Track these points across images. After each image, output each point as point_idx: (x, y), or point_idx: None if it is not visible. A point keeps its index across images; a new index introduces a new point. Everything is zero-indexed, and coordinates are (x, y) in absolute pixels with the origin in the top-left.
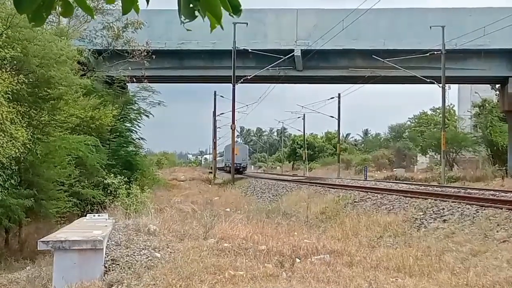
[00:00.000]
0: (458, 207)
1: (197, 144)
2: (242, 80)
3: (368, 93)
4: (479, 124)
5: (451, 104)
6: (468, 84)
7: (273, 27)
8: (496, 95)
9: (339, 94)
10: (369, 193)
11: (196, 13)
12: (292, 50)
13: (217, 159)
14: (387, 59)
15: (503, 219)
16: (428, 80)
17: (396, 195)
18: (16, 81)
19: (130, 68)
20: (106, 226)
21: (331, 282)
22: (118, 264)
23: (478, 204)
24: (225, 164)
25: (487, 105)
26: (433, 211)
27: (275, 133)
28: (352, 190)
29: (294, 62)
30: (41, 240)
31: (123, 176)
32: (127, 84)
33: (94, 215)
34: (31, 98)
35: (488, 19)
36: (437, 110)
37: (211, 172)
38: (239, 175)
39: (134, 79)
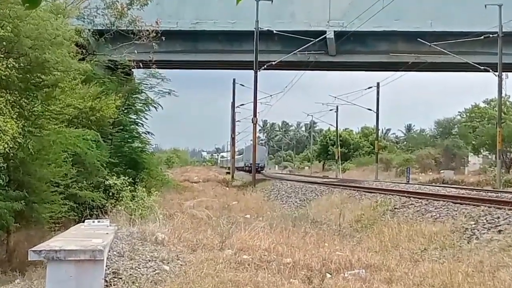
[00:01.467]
0: None
1: (213, 140)
2: (265, 66)
3: (411, 82)
4: None
5: (508, 95)
6: None
7: (302, 4)
8: None
9: (378, 84)
10: (412, 198)
11: None
12: (324, 32)
13: (236, 157)
14: (434, 43)
15: None
16: (482, 67)
17: (444, 201)
18: (5, 65)
19: (136, 51)
20: (107, 234)
21: None
22: (121, 278)
23: None
24: (245, 164)
25: None
26: (487, 220)
27: (303, 128)
28: (392, 194)
29: (326, 45)
30: (33, 249)
31: (127, 177)
32: (132, 70)
33: (93, 221)
34: (22, 85)
35: None
36: (492, 103)
37: (228, 173)
38: (260, 176)
39: (140, 64)
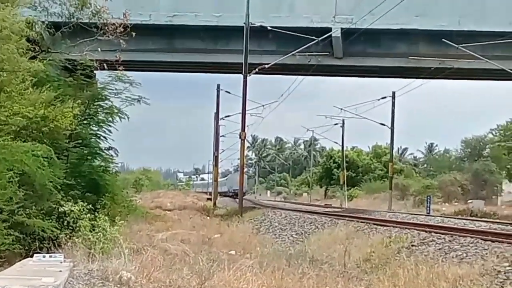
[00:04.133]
0: None
1: (191, 159)
2: (257, 69)
3: (434, 92)
4: None
5: None
6: None
7: None
8: None
9: (393, 93)
10: (433, 233)
11: None
12: (329, 29)
13: (219, 180)
14: (463, 45)
15: None
16: None
17: (472, 237)
18: None
19: (99, 49)
20: (60, 271)
21: None
22: None
23: None
24: (228, 190)
25: None
26: None
27: (302, 146)
28: (409, 229)
29: (332, 46)
30: None
31: (86, 202)
32: (95, 71)
33: (44, 256)
34: None
35: None
36: None
37: (210, 199)
38: (249, 204)
39: (105, 65)
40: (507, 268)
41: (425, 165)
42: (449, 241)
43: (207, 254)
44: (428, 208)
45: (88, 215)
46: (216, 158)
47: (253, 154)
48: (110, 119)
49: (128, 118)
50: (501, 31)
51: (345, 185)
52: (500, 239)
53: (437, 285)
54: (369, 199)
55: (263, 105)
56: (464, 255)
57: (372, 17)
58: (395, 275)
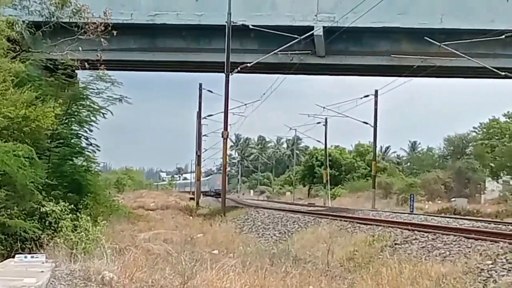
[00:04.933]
0: None
1: (174, 158)
2: (239, 68)
3: (417, 91)
4: None
5: None
6: None
7: None
8: None
9: (376, 91)
10: (416, 232)
11: None
12: (311, 28)
13: (201, 180)
14: (445, 43)
15: None
16: (503, 73)
17: (455, 235)
18: None
19: (81, 48)
20: (42, 272)
21: None
22: None
23: None
24: (210, 190)
25: None
26: (507, 260)
27: (285, 145)
28: (392, 227)
29: (314, 44)
30: None
31: (67, 202)
32: (76, 71)
33: (25, 256)
34: None
35: None
36: None
37: (192, 198)
38: (232, 203)
39: (86, 64)
40: (490, 266)
41: (408, 164)
42: (432, 239)
43: (189, 253)
44: (411, 207)
45: (70, 215)
46: (198, 158)
47: (236, 153)
48: (92, 117)
49: (111, 113)
50: (483, 29)
51: (329, 183)
52: (483, 237)
53: (421, 283)
54: (353, 197)
55: (245, 104)
56: (447, 253)
57: (354, 16)
58: (379, 273)
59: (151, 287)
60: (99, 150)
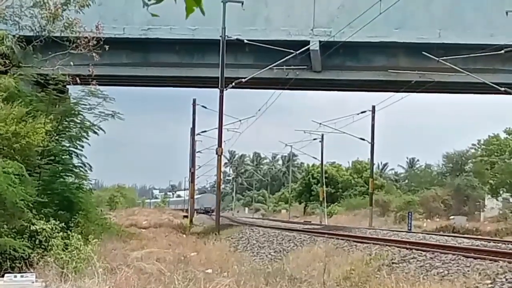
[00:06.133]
0: None
1: (167, 176)
2: (233, 83)
3: (415, 106)
4: None
5: None
6: None
7: (280, 8)
8: None
9: (373, 107)
10: (414, 250)
11: None
12: (307, 42)
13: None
14: (443, 58)
15: None
16: (503, 88)
17: (453, 254)
18: None
19: (72, 63)
20: None
21: None
22: None
23: None
24: (200, 208)
25: None
26: (506, 279)
27: (280, 162)
28: (389, 246)
29: (310, 59)
30: None
31: (58, 220)
32: (67, 86)
33: (15, 276)
34: None
35: None
36: None
37: (186, 216)
38: (226, 221)
39: (77, 79)
40: (489, 285)
41: (406, 181)
42: (431, 258)
43: (183, 273)
44: (409, 225)
45: (61, 233)
46: (192, 175)
47: (231, 170)
48: (83, 134)
49: (104, 131)
50: (482, 44)
51: (325, 201)
52: (482, 256)
53: None
54: (349, 215)
55: (240, 120)
56: (446, 272)
57: (351, 30)
58: None
59: None
60: (91, 170)
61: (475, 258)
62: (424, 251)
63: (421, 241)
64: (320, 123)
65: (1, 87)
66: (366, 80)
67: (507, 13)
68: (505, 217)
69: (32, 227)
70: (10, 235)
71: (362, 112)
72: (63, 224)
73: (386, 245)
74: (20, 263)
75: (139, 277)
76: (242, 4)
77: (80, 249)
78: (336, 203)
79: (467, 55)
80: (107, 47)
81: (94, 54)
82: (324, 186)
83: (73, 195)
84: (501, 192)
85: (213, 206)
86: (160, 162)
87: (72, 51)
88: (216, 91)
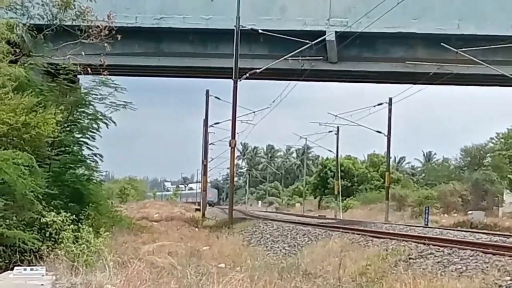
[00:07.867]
0: None
1: (179, 168)
2: (248, 74)
3: (433, 99)
4: None
5: None
6: None
7: None
8: None
9: (390, 99)
10: (431, 246)
11: None
12: (323, 33)
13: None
14: (462, 49)
15: None
16: None
17: (472, 250)
18: None
19: (83, 53)
20: (42, 285)
21: None
22: None
23: None
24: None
25: None
26: None
27: (294, 154)
28: (406, 241)
29: (326, 50)
30: None
31: (69, 213)
32: (78, 76)
33: (25, 269)
34: None
35: None
36: None
37: (198, 209)
38: (239, 215)
39: (89, 69)
40: (509, 282)
41: (423, 175)
42: (448, 254)
43: (195, 267)
44: (426, 220)
45: (71, 226)
46: (205, 167)
47: (244, 162)
48: (94, 125)
49: (115, 123)
50: (502, 35)
51: (340, 195)
52: (501, 252)
53: None
54: (365, 209)
55: (254, 112)
56: (464, 268)
57: (368, 20)
58: None
59: None
60: (102, 160)
61: (494, 254)
62: (441, 246)
63: (438, 237)
64: (336, 115)
65: (11, 77)
66: (383, 71)
67: None
68: None
69: (42, 219)
70: (20, 228)
71: (378, 104)
72: (73, 216)
73: (403, 240)
74: (29, 256)
75: (150, 271)
76: None
77: (90, 242)
78: (351, 197)
79: (487, 47)
80: (119, 36)
81: (105, 44)
82: (339, 179)
83: (84, 187)
84: None
85: (215, 199)
86: (172, 154)
87: (83, 40)
88: (230, 82)
